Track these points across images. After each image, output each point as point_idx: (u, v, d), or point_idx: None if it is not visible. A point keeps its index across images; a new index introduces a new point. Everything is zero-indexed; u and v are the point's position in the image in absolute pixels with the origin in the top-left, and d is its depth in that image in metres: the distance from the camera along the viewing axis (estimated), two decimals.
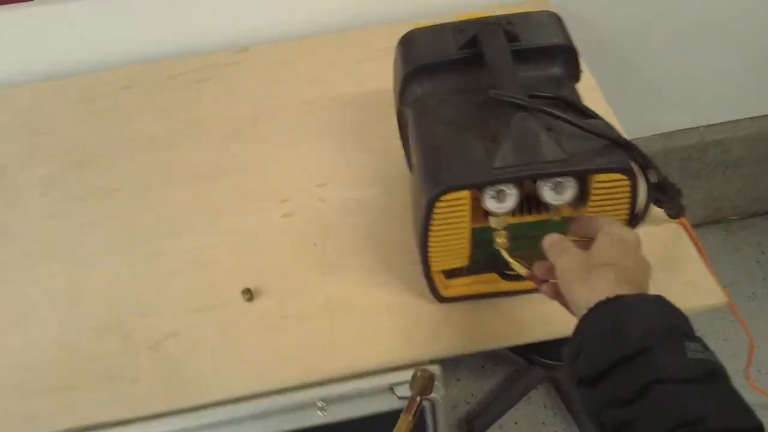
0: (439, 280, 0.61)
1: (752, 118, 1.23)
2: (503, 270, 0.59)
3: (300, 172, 0.79)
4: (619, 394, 0.40)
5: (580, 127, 0.50)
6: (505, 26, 0.61)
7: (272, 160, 0.81)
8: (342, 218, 0.74)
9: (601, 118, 0.54)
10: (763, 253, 1.41)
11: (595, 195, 0.51)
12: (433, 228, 0.53)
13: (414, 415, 0.46)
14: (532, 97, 0.53)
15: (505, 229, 0.53)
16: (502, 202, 0.51)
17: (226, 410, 0.61)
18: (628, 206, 0.52)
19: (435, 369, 0.55)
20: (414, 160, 0.58)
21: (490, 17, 0.64)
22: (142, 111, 0.88)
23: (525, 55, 0.59)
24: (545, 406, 1.19)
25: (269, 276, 0.69)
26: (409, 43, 0.65)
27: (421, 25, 0.67)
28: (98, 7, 0.89)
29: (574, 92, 0.59)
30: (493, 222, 0.53)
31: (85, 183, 0.81)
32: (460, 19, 0.65)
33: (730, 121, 1.23)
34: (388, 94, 0.84)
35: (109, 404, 0.62)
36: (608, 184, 0.50)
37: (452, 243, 0.55)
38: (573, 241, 0.49)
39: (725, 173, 1.31)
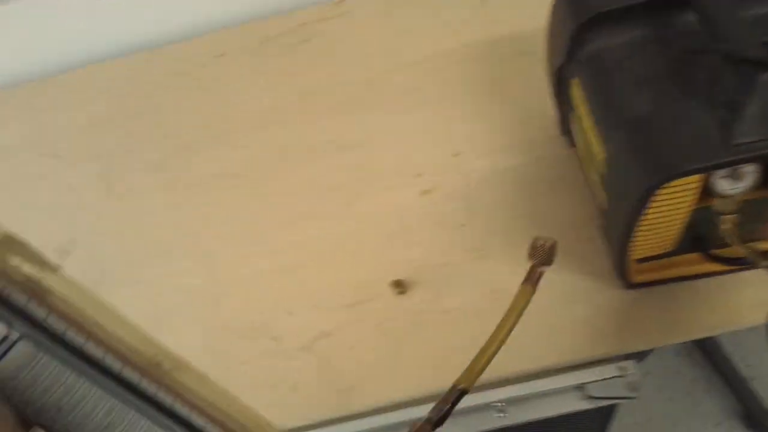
0: (631, 264, 0.53)
1: None
2: (709, 250, 0.51)
3: (430, 141, 0.71)
4: None
5: None
6: None
7: (396, 129, 0.72)
8: (487, 192, 0.66)
9: None
10: None
11: None
12: (647, 217, 0.45)
13: (534, 285, 0.42)
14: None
15: (735, 212, 0.45)
16: (737, 181, 0.43)
17: (396, 415, 0.57)
18: None
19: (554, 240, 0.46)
20: (606, 132, 0.49)
21: None
22: (240, 82, 0.80)
23: None
24: (679, 354, 1.13)
25: (418, 264, 0.63)
26: None
27: None
28: None
29: None
30: (721, 204, 0.45)
31: (197, 167, 0.74)
32: None
33: None
34: (519, 42, 0.74)
35: (269, 412, 0.58)
36: None
37: (663, 230, 0.48)
38: None
39: None
